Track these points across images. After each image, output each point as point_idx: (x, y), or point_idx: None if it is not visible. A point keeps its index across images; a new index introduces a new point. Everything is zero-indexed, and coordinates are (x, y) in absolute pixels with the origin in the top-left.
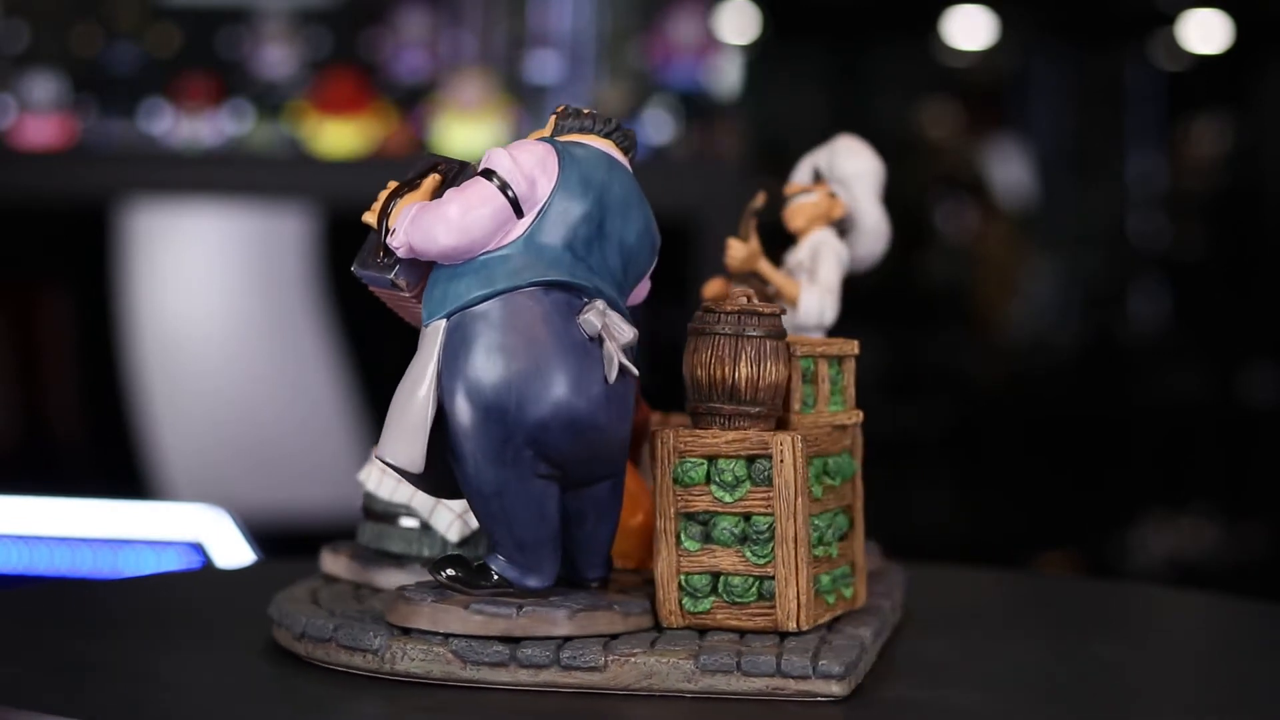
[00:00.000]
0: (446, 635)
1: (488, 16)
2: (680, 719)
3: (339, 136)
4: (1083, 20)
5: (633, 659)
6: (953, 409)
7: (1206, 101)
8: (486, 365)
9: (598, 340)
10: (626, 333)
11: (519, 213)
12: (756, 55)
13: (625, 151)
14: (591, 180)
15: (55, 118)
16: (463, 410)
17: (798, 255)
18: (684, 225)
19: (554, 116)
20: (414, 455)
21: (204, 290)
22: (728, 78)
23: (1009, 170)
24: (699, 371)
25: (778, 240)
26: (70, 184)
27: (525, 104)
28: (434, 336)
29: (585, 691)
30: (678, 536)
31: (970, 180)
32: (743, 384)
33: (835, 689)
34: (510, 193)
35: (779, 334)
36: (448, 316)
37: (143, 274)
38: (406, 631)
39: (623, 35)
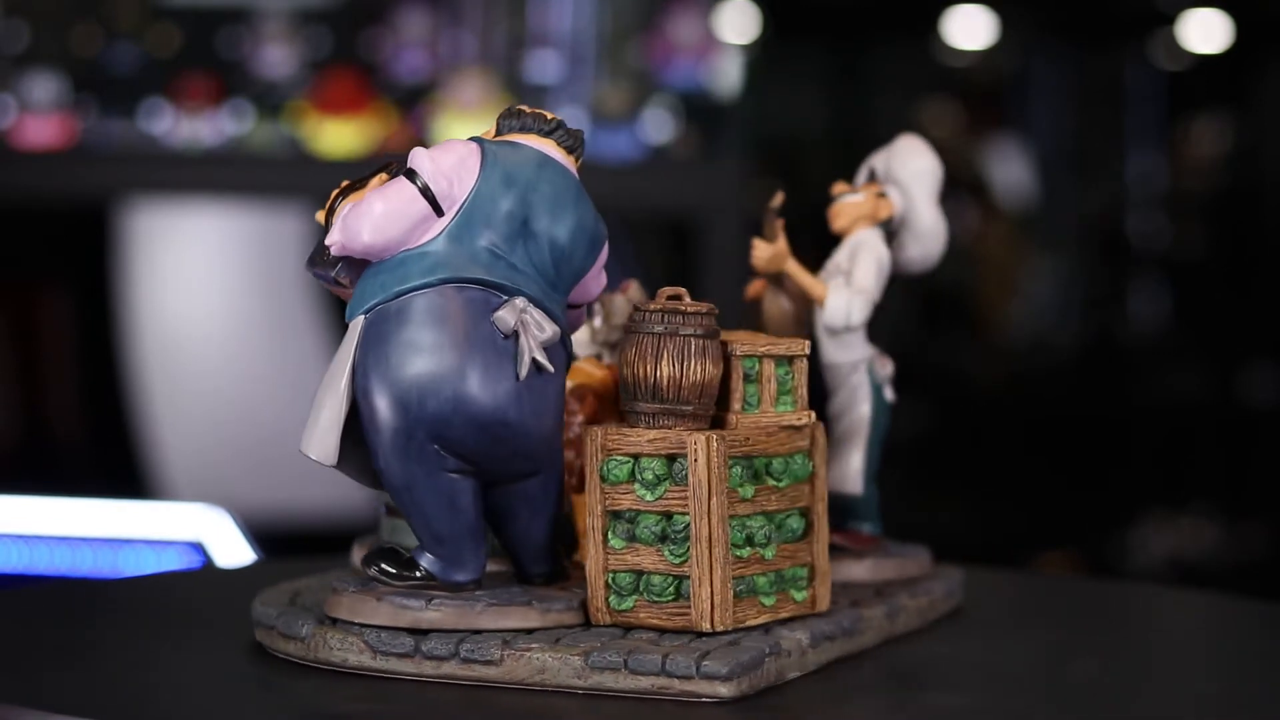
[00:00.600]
0: (362, 625)
1: (488, 16)
2: (563, 713)
3: (339, 136)
4: (1083, 20)
5: (527, 654)
6: (953, 409)
7: (1206, 101)
8: (392, 361)
9: (513, 337)
10: (546, 330)
11: (438, 211)
12: (756, 55)
13: (569, 151)
14: (516, 179)
15: (55, 118)
16: (370, 405)
17: (838, 256)
18: (684, 225)
19: (497, 118)
20: (328, 449)
21: (204, 290)
22: (728, 78)
23: (1009, 170)
24: (625, 370)
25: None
26: (70, 184)
27: (525, 104)
28: (353, 332)
29: (483, 685)
30: (605, 534)
31: (970, 180)
32: (665, 383)
33: (722, 690)
34: (428, 191)
35: (707, 333)
36: (366, 313)
37: (143, 274)
38: (334, 621)
39: (623, 35)
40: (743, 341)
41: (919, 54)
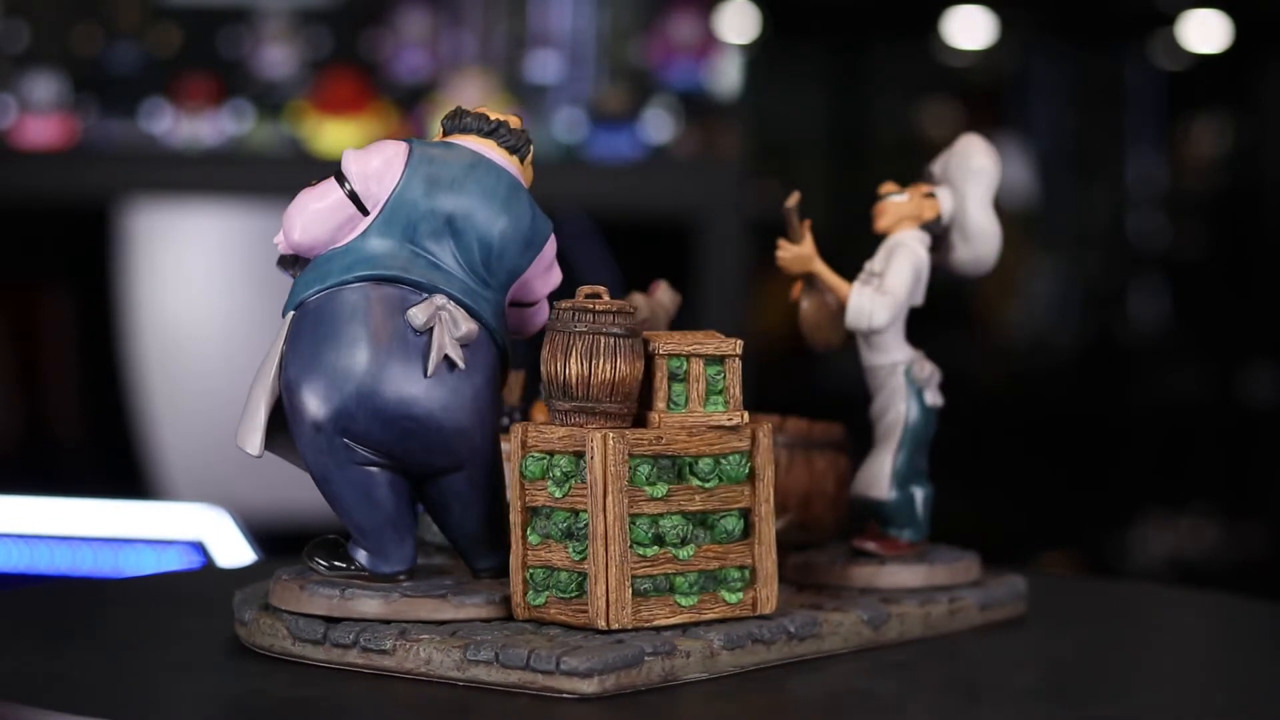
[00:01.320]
0: (289, 613)
1: (488, 16)
2: (438, 703)
3: (339, 137)
4: (1083, 20)
5: (416, 646)
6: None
7: (1206, 101)
8: (305, 356)
9: (427, 333)
10: (461, 328)
11: (363, 210)
12: (756, 55)
13: (512, 150)
14: (441, 179)
15: (56, 117)
16: (288, 399)
17: (877, 257)
18: (684, 225)
19: (441, 119)
20: (254, 441)
21: (204, 290)
22: (728, 78)
23: (1009, 170)
24: (542, 368)
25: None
26: (71, 184)
27: (525, 104)
28: (283, 328)
29: (383, 674)
30: (524, 530)
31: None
32: (574, 380)
33: (582, 687)
34: (351, 191)
35: (619, 332)
36: (296, 309)
37: (143, 274)
38: (271, 609)
39: (623, 35)
40: (670, 340)
41: (919, 54)
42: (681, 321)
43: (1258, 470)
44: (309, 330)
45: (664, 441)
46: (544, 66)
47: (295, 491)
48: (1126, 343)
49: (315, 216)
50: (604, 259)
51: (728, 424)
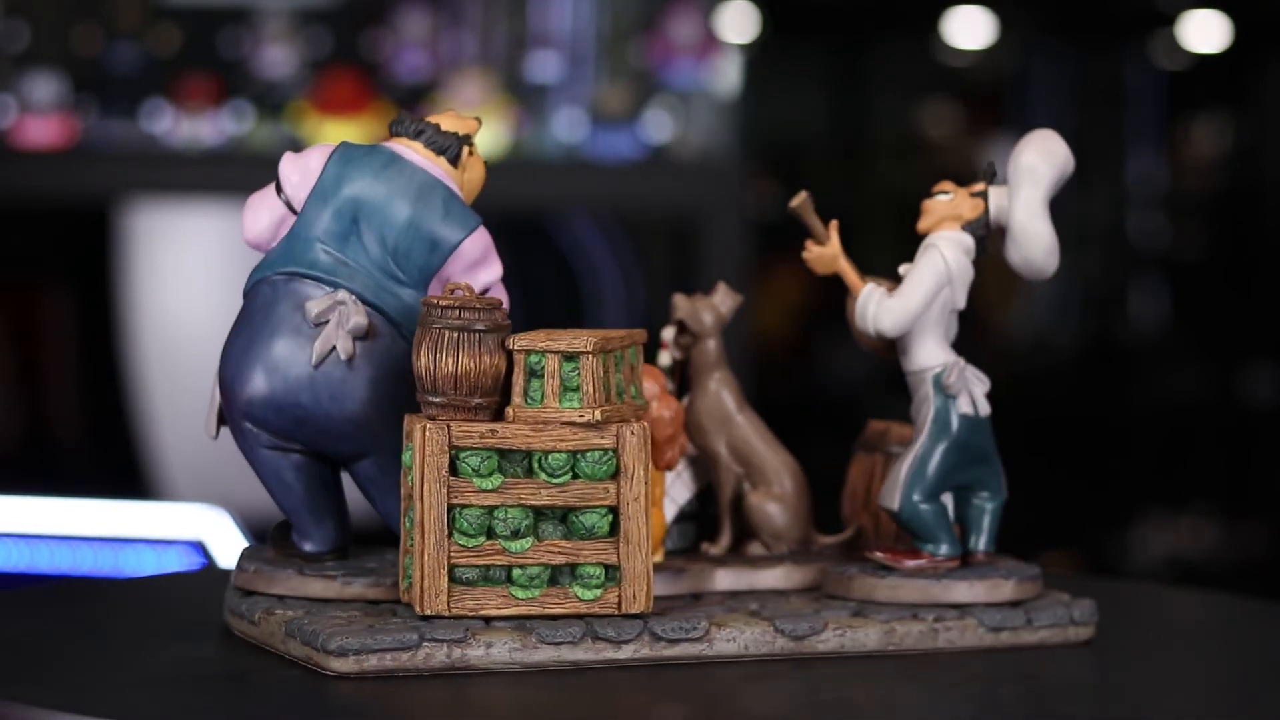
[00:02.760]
0: (239, 591)
1: (488, 16)
2: (253, 671)
3: (339, 137)
4: (1083, 20)
5: (269, 619)
6: None
7: (1206, 101)
8: (225, 347)
9: (322, 326)
10: (351, 320)
11: (293, 210)
12: (756, 55)
13: (439, 152)
14: (346, 179)
15: (56, 117)
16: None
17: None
18: (684, 225)
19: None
20: (209, 427)
21: (205, 290)
22: (728, 78)
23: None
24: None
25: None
26: (71, 184)
27: (525, 104)
28: None
29: (253, 643)
30: (403, 519)
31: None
32: (423, 374)
33: (334, 664)
34: (282, 192)
35: (483, 328)
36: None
37: (143, 274)
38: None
39: (623, 35)
40: (526, 337)
41: (919, 54)
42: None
43: (1257, 470)
44: (234, 323)
45: (499, 435)
46: (544, 66)
47: None
48: (1126, 343)
49: (255, 217)
50: (610, 259)
51: (578, 420)
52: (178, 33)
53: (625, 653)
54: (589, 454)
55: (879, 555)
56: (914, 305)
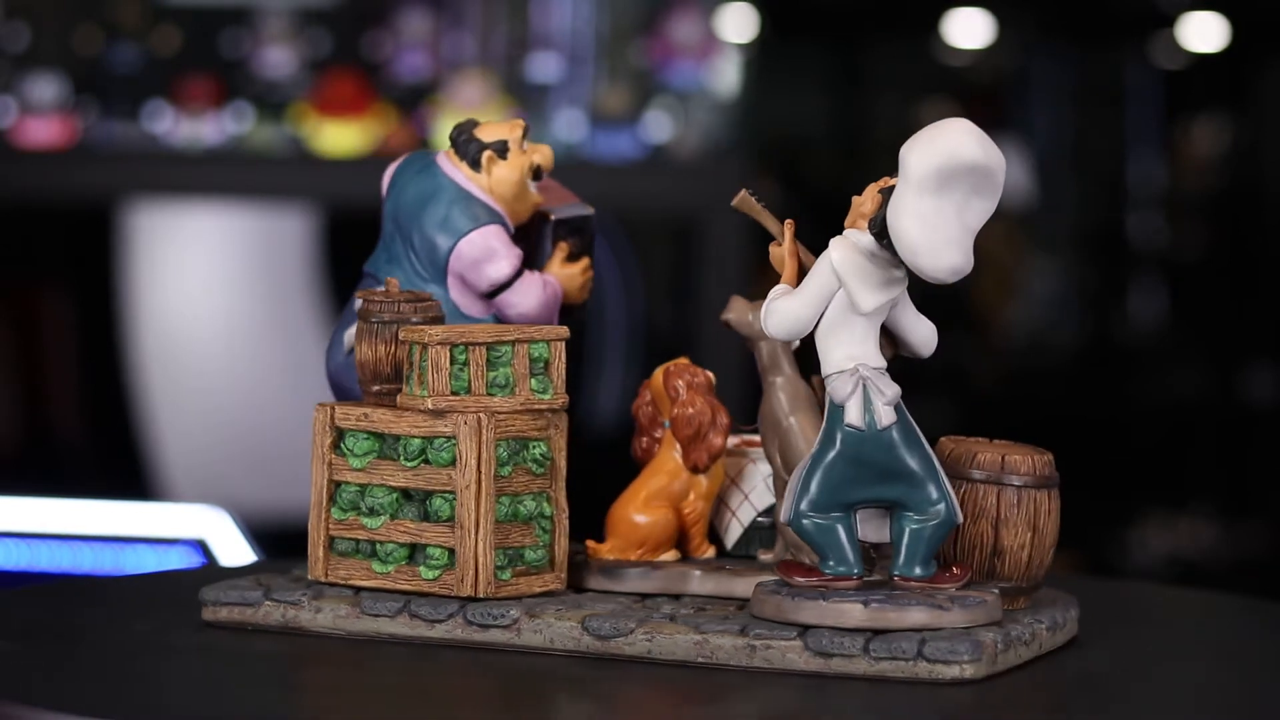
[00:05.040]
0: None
1: (488, 17)
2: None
3: (340, 137)
4: (1082, 20)
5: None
6: (952, 408)
7: (1206, 101)
8: None
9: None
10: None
11: None
12: (756, 55)
13: (462, 157)
14: (394, 187)
15: (57, 118)
16: None
17: None
18: (684, 225)
19: None
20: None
21: (206, 291)
22: (728, 78)
23: (1008, 170)
24: None
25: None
26: (72, 184)
27: (526, 104)
28: None
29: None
30: None
31: None
32: (360, 363)
33: (201, 614)
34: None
35: (366, 317)
36: None
37: (144, 274)
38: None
39: (623, 35)
40: (406, 328)
41: (919, 54)
42: (683, 320)
43: (1257, 470)
44: None
45: (370, 419)
46: (544, 67)
47: (294, 491)
48: (1126, 342)
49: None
50: (610, 259)
51: (420, 408)
52: (178, 33)
53: (438, 631)
54: (434, 440)
55: (777, 568)
56: (795, 307)
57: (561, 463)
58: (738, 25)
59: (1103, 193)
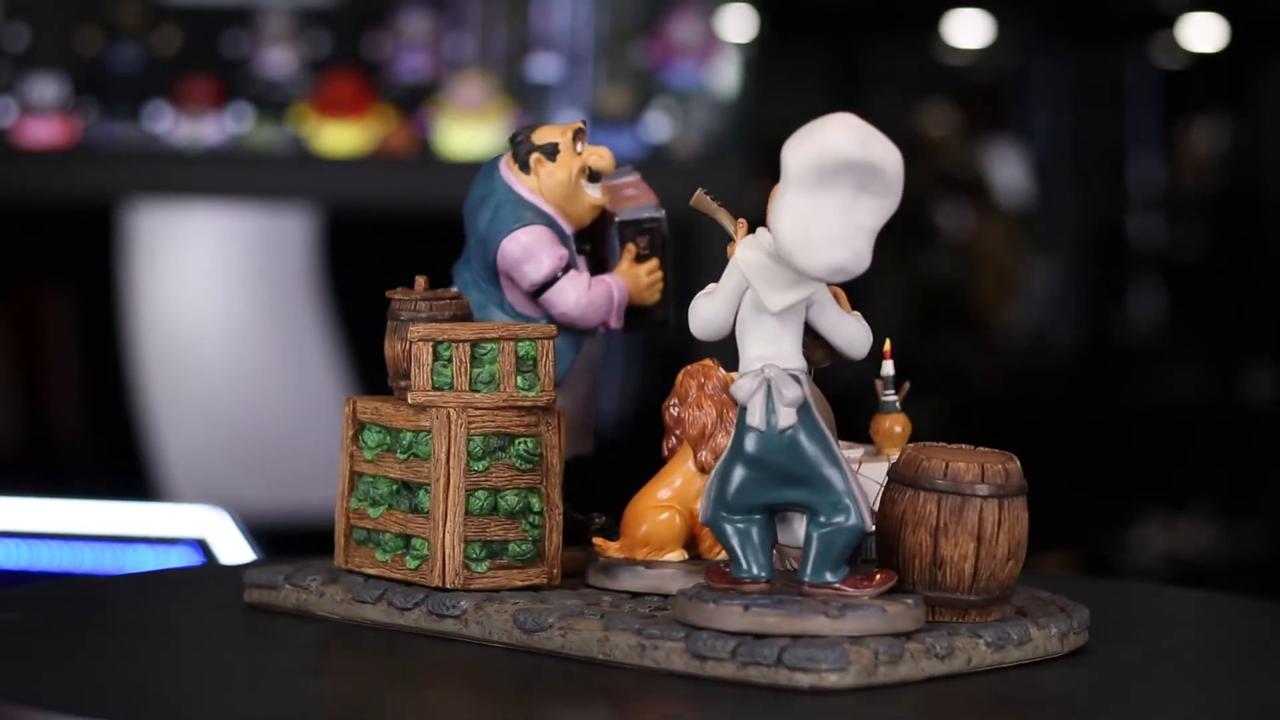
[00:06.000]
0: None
1: (488, 18)
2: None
3: (340, 138)
4: (1082, 20)
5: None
6: (951, 408)
7: (1205, 101)
8: None
9: None
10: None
11: None
12: (756, 55)
13: (514, 158)
14: (470, 192)
15: (57, 118)
16: None
17: None
18: (684, 225)
19: None
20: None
21: (206, 290)
22: (727, 78)
23: (1008, 170)
24: None
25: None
26: (72, 185)
27: (526, 105)
28: None
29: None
30: None
31: (970, 180)
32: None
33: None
34: None
35: (392, 316)
36: None
37: (145, 274)
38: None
39: (623, 35)
40: (428, 326)
41: (919, 54)
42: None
43: (1256, 470)
44: None
45: (379, 413)
46: (544, 67)
47: (294, 491)
48: (1125, 342)
49: None
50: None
51: (410, 403)
52: (179, 33)
53: (407, 619)
54: (419, 434)
55: (706, 570)
56: (710, 306)
57: (554, 460)
58: (738, 25)
59: (1102, 193)
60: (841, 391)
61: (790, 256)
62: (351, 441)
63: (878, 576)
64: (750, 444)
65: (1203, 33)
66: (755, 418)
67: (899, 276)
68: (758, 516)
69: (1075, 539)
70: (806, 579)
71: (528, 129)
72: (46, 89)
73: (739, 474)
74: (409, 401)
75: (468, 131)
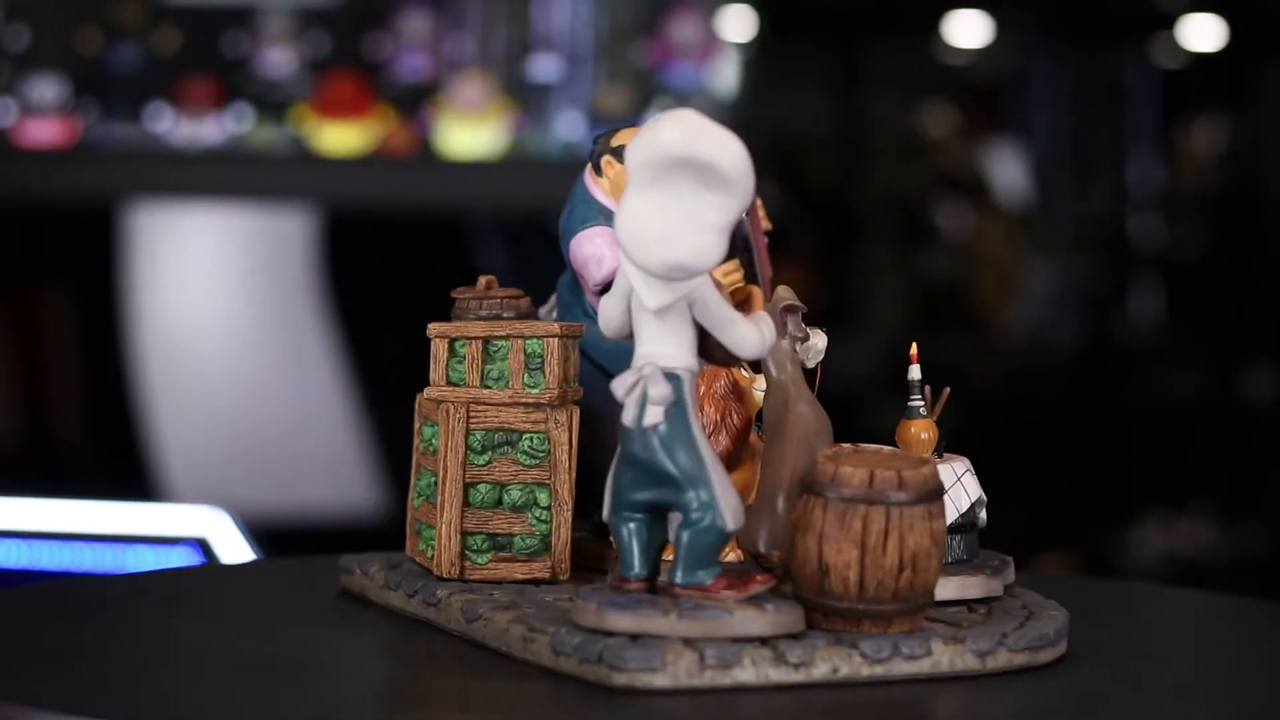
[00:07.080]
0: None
1: (488, 18)
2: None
3: (340, 138)
4: (1082, 20)
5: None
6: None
7: (1205, 101)
8: None
9: None
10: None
11: None
12: (756, 55)
13: (591, 162)
14: None
15: (57, 118)
16: None
17: None
18: None
19: None
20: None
21: (206, 291)
22: (727, 78)
23: (1008, 170)
24: None
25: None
26: (73, 185)
27: (526, 105)
28: None
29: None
30: None
31: (970, 180)
32: None
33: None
34: None
35: (471, 317)
36: None
37: (145, 275)
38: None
39: (623, 35)
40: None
41: (919, 54)
42: None
43: (1256, 470)
44: None
45: (427, 408)
46: (544, 67)
47: (295, 491)
48: (1125, 342)
49: None
50: None
51: (426, 397)
52: (179, 34)
53: (410, 606)
54: (435, 429)
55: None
56: (605, 305)
57: (563, 456)
58: (738, 25)
59: (1102, 193)
60: (841, 392)
61: (627, 253)
62: (416, 435)
63: (756, 579)
64: (625, 442)
65: (1202, 33)
66: (627, 416)
67: (899, 276)
68: (640, 515)
69: (1075, 539)
70: (678, 580)
71: (606, 133)
72: (47, 89)
73: (622, 473)
74: (426, 396)
75: (468, 131)
